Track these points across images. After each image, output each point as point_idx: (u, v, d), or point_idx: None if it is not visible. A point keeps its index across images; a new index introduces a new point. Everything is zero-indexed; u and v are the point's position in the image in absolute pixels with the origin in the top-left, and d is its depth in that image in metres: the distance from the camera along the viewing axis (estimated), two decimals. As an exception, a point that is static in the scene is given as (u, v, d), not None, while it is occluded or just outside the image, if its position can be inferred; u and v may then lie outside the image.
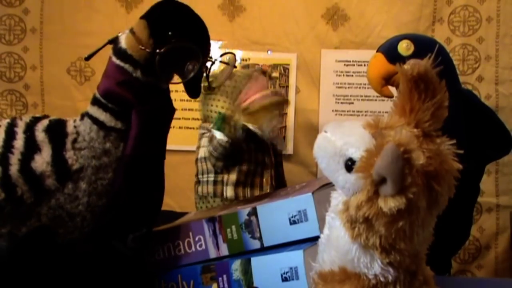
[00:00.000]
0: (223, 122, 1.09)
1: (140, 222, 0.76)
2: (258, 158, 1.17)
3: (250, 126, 1.13)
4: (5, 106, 1.70)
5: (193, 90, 0.78)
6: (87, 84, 1.68)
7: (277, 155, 1.25)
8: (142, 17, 0.74)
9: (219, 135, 1.09)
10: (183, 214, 1.04)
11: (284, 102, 1.25)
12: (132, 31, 0.73)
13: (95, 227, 0.74)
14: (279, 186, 1.23)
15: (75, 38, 1.65)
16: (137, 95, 0.72)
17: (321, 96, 1.61)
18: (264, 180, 1.17)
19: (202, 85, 1.12)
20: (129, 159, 0.73)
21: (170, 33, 0.71)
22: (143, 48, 0.71)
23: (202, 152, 1.17)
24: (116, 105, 0.72)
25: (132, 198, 0.74)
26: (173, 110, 0.78)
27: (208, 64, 0.77)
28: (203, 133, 1.19)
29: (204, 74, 0.77)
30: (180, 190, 1.53)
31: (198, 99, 1.19)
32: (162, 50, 0.70)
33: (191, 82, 0.75)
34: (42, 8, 1.67)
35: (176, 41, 0.71)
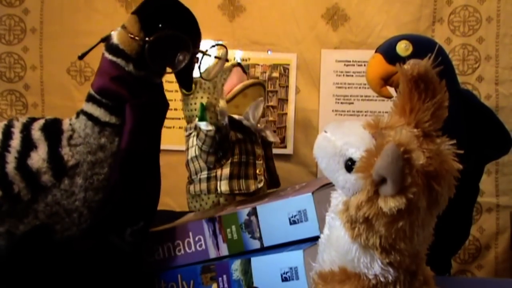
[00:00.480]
0: (204, 110, 1.08)
1: (137, 216, 0.76)
2: (248, 148, 1.16)
3: (235, 116, 1.13)
4: (5, 106, 1.70)
5: (185, 82, 0.79)
6: (87, 84, 1.66)
7: (267, 149, 1.23)
8: (133, 12, 0.75)
9: (203, 126, 1.08)
10: (183, 214, 1.04)
11: (258, 83, 1.23)
12: (123, 26, 0.74)
13: (92, 222, 0.74)
14: (271, 180, 1.22)
15: (75, 38, 1.64)
16: (131, 89, 0.73)
17: (321, 96, 1.61)
18: (257, 170, 1.16)
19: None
20: (124, 154, 0.73)
21: (160, 25, 0.72)
22: (132, 36, 0.72)
23: (192, 152, 1.15)
24: (110, 101, 0.73)
25: (128, 192, 0.74)
26: (167, 104, 0.79)
27: (200, 56, 0.77)
28: (190, 134, 1.18)
29: (196, 66, 0.77)
30: (180, 190, 1.52)
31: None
32: (151, 39, 0.71)
33: (183, 73, 0.76)
34: (42, 8, 1.67)
35: (165, 30, 0.72)
